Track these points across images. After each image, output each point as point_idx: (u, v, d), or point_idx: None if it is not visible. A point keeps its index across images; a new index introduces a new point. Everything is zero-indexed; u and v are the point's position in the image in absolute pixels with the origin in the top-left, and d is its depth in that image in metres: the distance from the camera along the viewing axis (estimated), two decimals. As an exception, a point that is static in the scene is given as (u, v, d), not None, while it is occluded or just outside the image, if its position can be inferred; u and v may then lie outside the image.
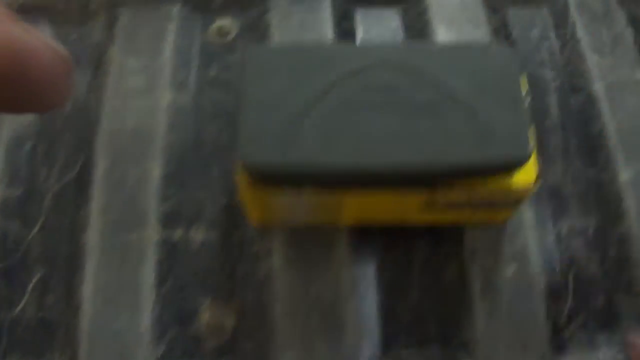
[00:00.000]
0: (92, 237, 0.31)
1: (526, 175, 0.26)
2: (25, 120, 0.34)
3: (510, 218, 0.30)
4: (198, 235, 0.32)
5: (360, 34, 0.36)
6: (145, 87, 0.34)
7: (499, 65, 0.26)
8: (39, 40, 0.15)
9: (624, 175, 0.32)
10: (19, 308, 0.31)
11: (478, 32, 0.35)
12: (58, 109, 0.17)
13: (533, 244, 0.31)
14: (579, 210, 0.32)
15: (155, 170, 0.32)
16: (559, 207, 0.32)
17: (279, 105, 0.25)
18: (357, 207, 0.28)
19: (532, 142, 0.24)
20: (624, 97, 0.33)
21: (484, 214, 0.28)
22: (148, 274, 0.30)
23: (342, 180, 0.25)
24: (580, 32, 0.35)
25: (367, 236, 0.31)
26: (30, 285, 0.31)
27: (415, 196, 0.26)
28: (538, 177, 0.25)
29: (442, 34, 0.35)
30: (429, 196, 0.26)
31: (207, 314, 0.30)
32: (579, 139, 0.33)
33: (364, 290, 0.30)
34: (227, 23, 0.36)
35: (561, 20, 0.36)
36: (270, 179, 0.25)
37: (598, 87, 0.34)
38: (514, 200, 0.27)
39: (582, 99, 0.34)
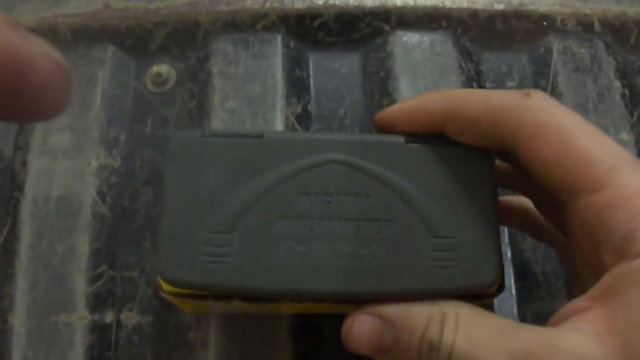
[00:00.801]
0: (18, 318, 0.29)
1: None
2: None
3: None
4: (130, 319, 0.30)
5: (312, 84, 0.32)
6: (73, 146, 0.32)
7: (472, 172, 0.23)
8: (38, 48, 0.15)
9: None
10: None
11: (447, 81, 0.31)
12: (54, 117, 0.16)
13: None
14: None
15: (83, 246, 0.30)
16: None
17: (205, 210, 0.22)
18: (295, 308, 0.26)
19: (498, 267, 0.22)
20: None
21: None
22: (76, 361, 0.29)
23: (271, 298, 0.22)
24: (563, 86, 0.31)
25: (310, 326, 0.29)
26: None
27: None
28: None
29: (406, 84, 0.31)
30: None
31: None
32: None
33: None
34: (164, 69, 0.33)
35: (542, 69, 0.32)
36: (192, 295, 0.22)
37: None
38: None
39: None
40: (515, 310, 0.29)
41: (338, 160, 0.23)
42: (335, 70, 0.33)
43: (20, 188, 0.32)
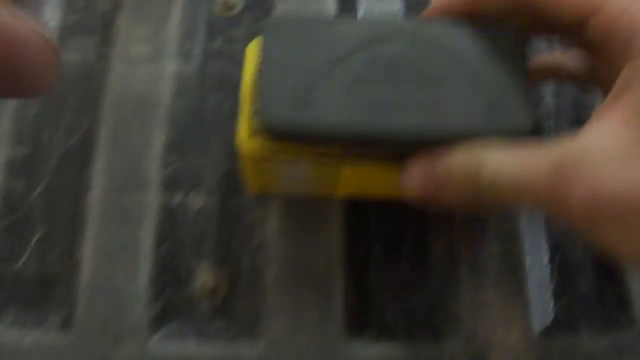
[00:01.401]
0: (95, 197, 0.34)
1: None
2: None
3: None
4: (196, 201, 0.34)
5: (361, 12, 0.38)
6: (152, 55, 0.36)
7: (508, 42, 0.28)
8: (27, 26, 0.15)
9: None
10: (19, 263, 0.33)
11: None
12: (42, 95, 0.17)
13: (521, 226, 0.33)
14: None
15: (158, 137, 0.35)
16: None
17: (296, 71, 0.27)
18: (353, 179, 0.30)
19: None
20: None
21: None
22: (147, 236, 0.33)
23: (351, 140, 0.27)
24: None
25: (360, 211, 0.33)
26: (32, 242, 0.34)
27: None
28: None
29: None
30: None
31: (202, 277, 0.33)
32: (572, 123, 0.36)
33: (354, 260, 0.32)
34: None
35: None
36: (284, 134, 0.27)
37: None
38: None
39: (576, 90, 0.36)
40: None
41: (403, 33, 0.28)
42: (381, 1, 0.38)
43: (100, 90, 0.36)
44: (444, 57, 0.27)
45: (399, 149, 0.27)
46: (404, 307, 0.33)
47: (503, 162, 0.24)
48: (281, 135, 0.27)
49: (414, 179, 0.26)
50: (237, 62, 0.33)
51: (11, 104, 0.36)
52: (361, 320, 0.32)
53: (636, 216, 0.20)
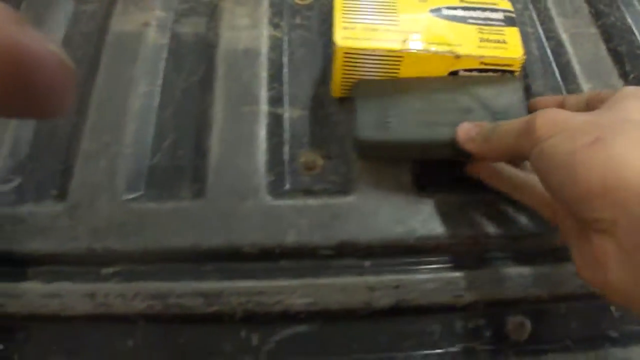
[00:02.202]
0: (217, 111, 0.47)
1: (517, 51, 0.44)
2: (156, 42, 0.51)
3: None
4: (295, 111, 0.48)
5: None
6: (251, 24, 0.52)
7: (508, 83, 0.45)
8: (43, 46, 0.15)
9: (585, 87, 0.50)
10: (155, 159, 0.46)
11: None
12: (59, 116, 0.17)
13: None
14: (557, 108, 0.50)
15: (263, 73, 0.49)
16: (543, 105, 0.50)
17: (375, 108, 0.44)
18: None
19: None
20: (582, 41, 0.53)
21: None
22: (260, 132, 0.46)
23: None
24: (550, 4, 0.55)
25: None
26: (165, 144, 0.46)
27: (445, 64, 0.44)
28: (525, 54, 0.44)
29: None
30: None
31: (302, 158, 0.46)
32: (554, 66, 0.52)
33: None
34: None
35: None
36: (371, 146, 0.44)
37: (564, 36, 0.53)
38: (512, 67, 0.45)
39: (554, 43, 0.53)
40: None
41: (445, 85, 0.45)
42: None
43: (213, 47, 0.51)
44: (468, 95, 0.44)
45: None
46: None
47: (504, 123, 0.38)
48: (369, 147, 0.43)
49: (464, 129, 0.41)
50: (313, 33, 0.48)
51: (142, 54, 0.50)
52: (423, 181, 0.45)
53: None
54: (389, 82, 0.44)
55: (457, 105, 0.43)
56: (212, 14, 0.53)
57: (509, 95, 0.44)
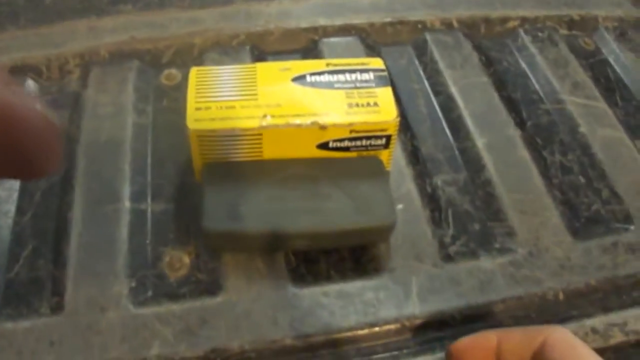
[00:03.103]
0: (76, 212, 0.43)
1: (390, 113, 0.41)
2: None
3: (390, 160, 0.43)
4: (159, 206, 0.44)
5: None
6: (114, 113, 0.48)
7: (373, 165, 0.42)
8: (30, 106, 0.15)
9: (480, 142, 0.47)
10: (13, 272, 0.42)
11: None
12: (47, 175, 0.17)
13: (414, 190, 0.45)
14: (449, 169, 0.46)
15: (125, 166, 0.45)
16: (433, 167, 0.46)
17: (227, 194, 0.40)
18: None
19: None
20: (474, 93, 0.50)
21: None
22: (122, 232, 0.42)
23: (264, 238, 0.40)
24: (437, 56, 0.52)
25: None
26: (24, 254, 0.42)
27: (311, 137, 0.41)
28: (398, 115, 0.40)
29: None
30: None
31: (167, 257, 0.42)
32: (444, 123, 0.49)
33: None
34: (174, 71, 0.52)
35: (422, 52, 0.53)
36: (220, 237, 0.40)
37: (454, 89, 0.50)
38: (387, 131, 0.41)
39: (443, 98, 0.50)
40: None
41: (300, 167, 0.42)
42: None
43: (74, 141, 0.48)
44: (328, 178, 0.41)
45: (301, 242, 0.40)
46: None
47: None
48: (219, 238, 0.40)
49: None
50: (180, 115, 0.45)
51: None
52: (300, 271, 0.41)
53: None
54: (242, 165, 0.41)
55: (315, 191, 0.39)
56: (75, 104, 0.50)
57: (371, 180, 0.41)
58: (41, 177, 0.17)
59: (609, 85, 0.55)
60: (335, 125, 0.41)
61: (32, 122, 0.15)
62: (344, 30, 0.55)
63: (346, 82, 0.43)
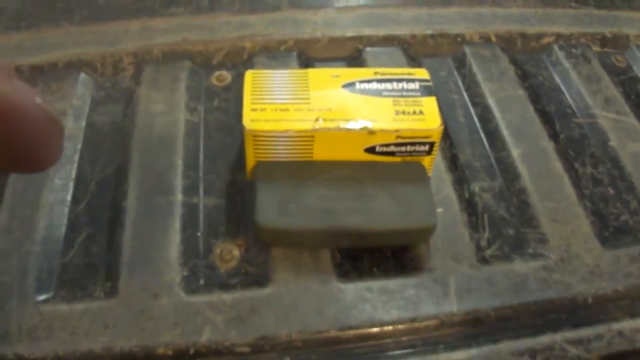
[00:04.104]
0: (130, 203, 0.46)
1: (434, 121, 0.43)
2: (71, 132, 0.50)
3: (431, 166, 0.46)
4: (211, 201, 0.47)
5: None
6: (167, 110, 0.51)
7: (416, 170, 0.45)
8: (30, 99, 0.15)
9: (515, 152, 0.50)
10: (68, 257, 0.44)
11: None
12: (46, 168, 0.17)
13: (453, 195, 0.47)
14: (486, 176, 0.49)
15: (178, 161, 0.48)
16: (471, 174, 0.49)
17: (278, 192, 0.43)
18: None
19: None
20: (510, 105, 0.52)
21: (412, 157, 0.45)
22: (175, 223, 0.45)
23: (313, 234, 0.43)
24: (475, 69, 0.54)
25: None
26: (78, 240, 0.45)
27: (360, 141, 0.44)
28: (442, 124, 0.43)
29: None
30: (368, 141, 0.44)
31: (218, 249, 0.45)
32: (482, 133, 0.51)
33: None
34: (224, 73, 0.54)
35: (461, 64, 0.56)
36: (272, 232, 0.43)
37: (491, 100, 0.52)
38: (430, 139, 0.44)
39: (481, 109, 0.53)
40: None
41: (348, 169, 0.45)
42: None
43: (128, 136, 0.50)
44: (374, 181, 0.44)
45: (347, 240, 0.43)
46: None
47: None
48: (270, 234, 0.43)
49: None
50: (230, 115, 0.48)
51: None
52: (345, 267, 0.44)
53: None
54: (293, 165, 0.44)
55: (361, 192, 0.42)
56: (129, 100, 0.52)
57: (414, 184, 0.44)
58: (40, 171, 0.17)
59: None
60: (382, 131, 0.43)
61: (31, 115, 0.16)
62: (387, 41, 0.57)
63: (393, 90, 0.45)
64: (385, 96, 0.45)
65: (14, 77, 0.16)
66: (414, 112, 0.44)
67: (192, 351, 0.40)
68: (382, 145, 0.44)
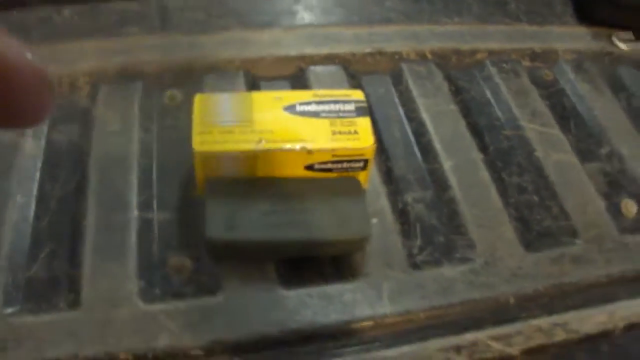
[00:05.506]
0: (90, 219, 0.51)
1: (367, 140, 0.49)
2: (31, 151, 0.55)
3: (367, 180, 0.52)
4: (164, 215, 0.52)
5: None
6: (122, 129, 0.56)
7: (351, 184, 0.51)
8: (18, 54, 0.16)
9: (447, 164, 0.56)
10: (32, 271, 0.49)
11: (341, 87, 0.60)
12: (36, 123, 0.18)
13: (387, 206, 0.53)
14: (419, 187, 0.55)
15: (133, 178, 0.53)
16: (405, 186, 0.55)
17: (226, 206, 0.48)
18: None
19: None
20: (443, 120, 0.58)
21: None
22: (132, 238, 0.50)
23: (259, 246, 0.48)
24: (411, 85, 0.60)
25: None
26: (41, 255, 0.50)
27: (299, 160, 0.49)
28: (375, 142, 0.49)
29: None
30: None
31: (172, 261, 0.50)
32: (415, 147, 0.57)
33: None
34: (175, 92, 0.60)
35: (398, 80, 0.62)
36: (220, 245, 0.48)
37: (425, 116, 0.58)
38: (364, 156, 0.50)
39: (415, 124, 0.59)
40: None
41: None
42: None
43: (88, 153, 0.55)
44: (314, 195, 0.49)
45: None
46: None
47: None
48: (219, 247, 0.48)
49: None
50: (182, 133, 0.53)
51: (16, 167, 0.54)
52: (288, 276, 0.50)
53: None
54: (240, 182, 0.49)
55: (302, 206, 0.48)
56: (86, 119, 0.57)
57: (350, 197, 0.50)
58: (31, 125, 0.18)
59: (565, 114, 0.64)
60: (320, 151, 0.49)
61: (22, 69, 0.16)
62: (329, 59, 0.63)
63: (330, 111, 0.51)
64: (323, 117, 0.51)
65: (3, 33, 0.16)
66: (349, 132, 0.50)
67: (150, 355, 0.45)
68: (320, 163, 0.50)
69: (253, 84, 0.62)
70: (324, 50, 0.64)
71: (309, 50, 0.64)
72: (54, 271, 0.49)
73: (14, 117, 0.17)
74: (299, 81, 0.62)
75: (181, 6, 0.67)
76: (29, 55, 0.16)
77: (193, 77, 0.61)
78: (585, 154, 0.61)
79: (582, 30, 0.73)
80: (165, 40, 0.63)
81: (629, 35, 0.73)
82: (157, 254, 0.50)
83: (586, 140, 0.62)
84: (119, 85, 0.59)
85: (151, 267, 0.49)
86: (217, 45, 0.63)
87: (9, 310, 0.46)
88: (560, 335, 0.48)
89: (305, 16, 0.69)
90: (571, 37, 0.71)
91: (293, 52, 0.63)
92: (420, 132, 0.59)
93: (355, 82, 0.63)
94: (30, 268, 0.49)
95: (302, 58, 0.63)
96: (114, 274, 0.48)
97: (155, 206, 0.53)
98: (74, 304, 0.47)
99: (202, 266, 0.50)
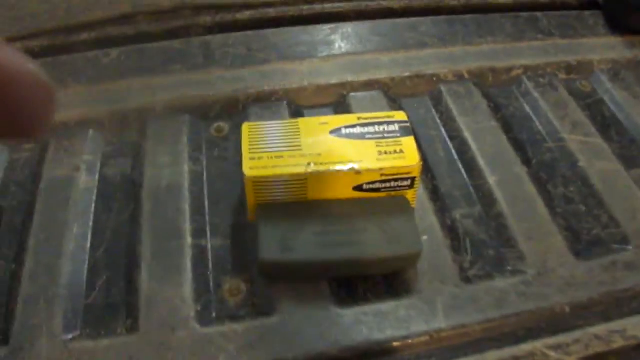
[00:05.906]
0: (145, 247, 0.53)
1: (413, 159, 0.50)
2: (85, 185, 0.57)
3: (414, 198, 0.53)
4: (217, 242, 0.54)
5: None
6: (172, 161, 0.58)
7: (400, 203, 0.52)
8: (20, 65, 0.15)
9: (492, 179, 0.57)
10: (90, 298, 0.51)
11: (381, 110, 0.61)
12: (40, 136, 0.17)
13: (436, 223, 0.54)
14: (466, 204, 0.56)
15: (185, 206, 0.55)
16: (452, 203, 0.56)
17: (279, 230, 0.50)
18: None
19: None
20: (484, 136, 0.59)
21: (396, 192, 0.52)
22: (187, 264, 0.52)
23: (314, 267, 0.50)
24: (451, 105, 0.62)
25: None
26: (99, 283, 0.52)
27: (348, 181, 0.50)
28: (421, 160, 0.50)
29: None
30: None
31: (227, 285, 0.51)
32: (459, 164, 0.58)
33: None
34: (222, 124, 0.62)
35: (438, 101, 0.63)
36: (274, 268, 0.50)
37: (467, 134, 0.60)
38: (411, 174, 0.51)
39: (458, 142, 0.60)
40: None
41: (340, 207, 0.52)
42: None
43: (140, 185, 0.57)
44: (363, 215, 0.51)
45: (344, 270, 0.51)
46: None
47: None
48: (273, 268, 0.50)
49: None
50: (230, 163, 0.55)
51: (73, 199, 0.56)
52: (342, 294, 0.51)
53: None
54: (290, 206, 0.51)
55: (353, 226, 0.49)
56: (136, 154, 0.59)
57: (399, 215, 0.51)
58: (34, 136, 0.17)
59: (605, 123, 0.65)
60: (368, 171, 0.50)
61: (23, 80, 0.16)
62: (368, 85, 0.65)
63: (375, 133, 0.53)
64: (369, 139, 0.52)
65: (3, 43, 0.16)
66: (395, 152, 0.51)
67: (210, 377, 0.46)
68: (368, 183, 0.51)
69: (296, 113, 0.64)
70: (364, 76, 0.65)
71: (349, 77, 0.65)
72: (111, 298, 0.51)
73: (15, 127, 0.17)
74: (341, 108, 0.64)
75: (223, 42, 0.70)
76: (30, 66, 0.16)
77: (238, 109, 0.63)
78: (629, 160, 0.61)
79: (615, 40, 0.74)
80: (209, 75, 0.65)
81: (663, 41, 0.74)
82: (211, 278, 0.52)
83: (629, 147, 0.63)
84: (167, 120, 0.62)
85: (206, 291, 0.51)
86: (260, 77, 0.65)
87: (69, 336, 0.48)
88: (618, 342, 0.48)
89: (342, 45, 0.71)
90: (605, 48, 0.72)
91: (334, 80, 0.65)
92: (463, 149, 0.60)
93: (395, 105, 0.65)
94: (89, 295, 0.51)
95: (343, 85, 0.65)
96: (170, 299, 0.49)
97: (208, 233, 0.54)
98: (132, 329, 0.49)
99: (257, 288, 0.51)
